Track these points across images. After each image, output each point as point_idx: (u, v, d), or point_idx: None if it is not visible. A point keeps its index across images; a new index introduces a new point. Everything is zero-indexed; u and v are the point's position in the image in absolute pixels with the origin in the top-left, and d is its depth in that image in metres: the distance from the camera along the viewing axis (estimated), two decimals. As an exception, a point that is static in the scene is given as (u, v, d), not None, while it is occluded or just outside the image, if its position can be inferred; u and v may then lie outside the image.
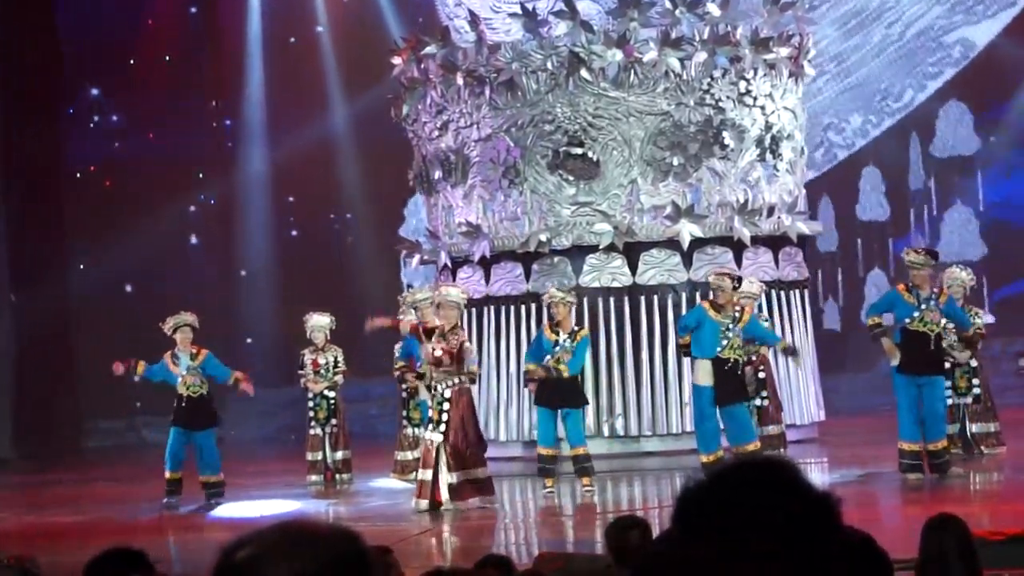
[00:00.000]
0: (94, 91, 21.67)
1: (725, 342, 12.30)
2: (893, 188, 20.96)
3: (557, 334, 12.65)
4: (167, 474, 13.05)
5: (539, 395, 12.76)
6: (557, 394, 12.63)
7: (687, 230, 14.87)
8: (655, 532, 5.26)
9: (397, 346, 13.69)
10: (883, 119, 20.92)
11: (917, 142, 20.94)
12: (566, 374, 12.62)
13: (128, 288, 21.61)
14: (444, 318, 12.04)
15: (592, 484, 12.56)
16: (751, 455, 10.77)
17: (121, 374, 13.18)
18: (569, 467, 12.84)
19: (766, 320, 14.15)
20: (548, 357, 12.58)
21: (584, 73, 14.87)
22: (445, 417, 11.80)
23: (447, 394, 11.87)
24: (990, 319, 13.82)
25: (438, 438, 11.77)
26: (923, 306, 12.04)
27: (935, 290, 12.20)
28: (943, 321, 12.18)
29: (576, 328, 12.85)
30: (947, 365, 12.88)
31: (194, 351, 13.21)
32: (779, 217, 15.40)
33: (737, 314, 12.44)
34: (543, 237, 14.91)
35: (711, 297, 12.69)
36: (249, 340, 21.72)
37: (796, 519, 1.89)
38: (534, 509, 12.48)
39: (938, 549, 4.17)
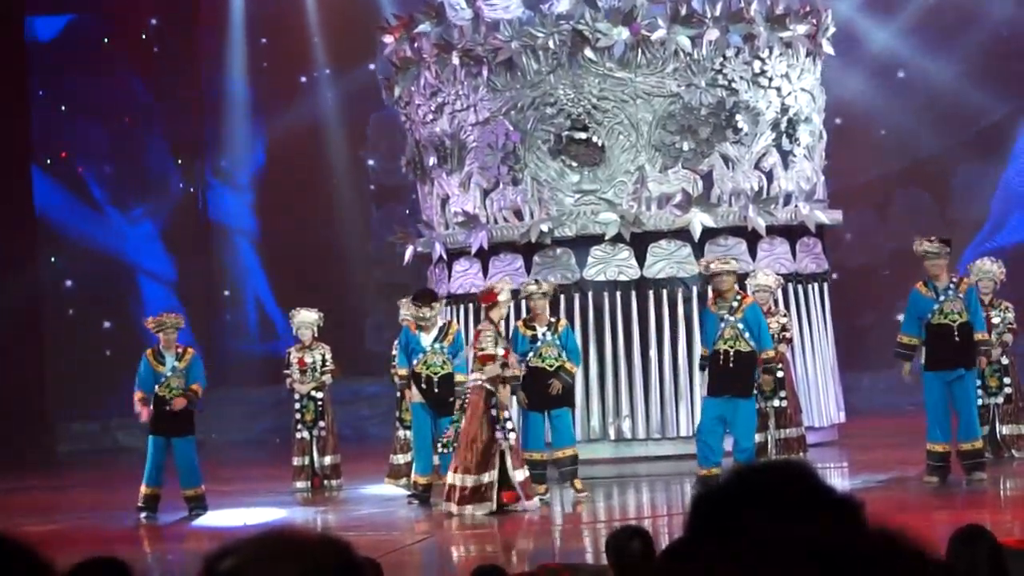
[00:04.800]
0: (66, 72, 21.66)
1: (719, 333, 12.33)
2: None
3: (533, 329, 12.72)
4: (143, 488, 12.89)
5: (528, 397, 12.76)
6: (546, 394, 12.67)
7: (698, 220, 14.87)
8: (664, 541, 5.27)
9: (396, 343, 13.53)
10: None
11: None
12: (567, 366, 12.71)
13: (102, 282, 21.60)
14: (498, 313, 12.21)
15: (584, 488, 12.63)
16: (764, 460, 10.74)
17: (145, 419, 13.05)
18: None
19: (784, 315, 14.12)
20: (530, 355, 12.65)
21: (588, 52, 14.87)
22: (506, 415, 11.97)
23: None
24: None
25: (513, 437, 11.93)
26: (941, 297, 12.03)
27: (954, 280, 12.18)
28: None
29: (553, 320, 12.91)
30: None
31: (180, 350, 13.14)
32: (796, 206, 15.40)
33: (735, 303, 12.34)
34: (545, 227, 14.91)
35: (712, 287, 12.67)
36: (232, 334, 21.73)
37: (818, 522, 1.90)
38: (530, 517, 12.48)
39: (966, 564, 4.16)
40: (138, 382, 13.04)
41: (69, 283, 21.42)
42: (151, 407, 12.93)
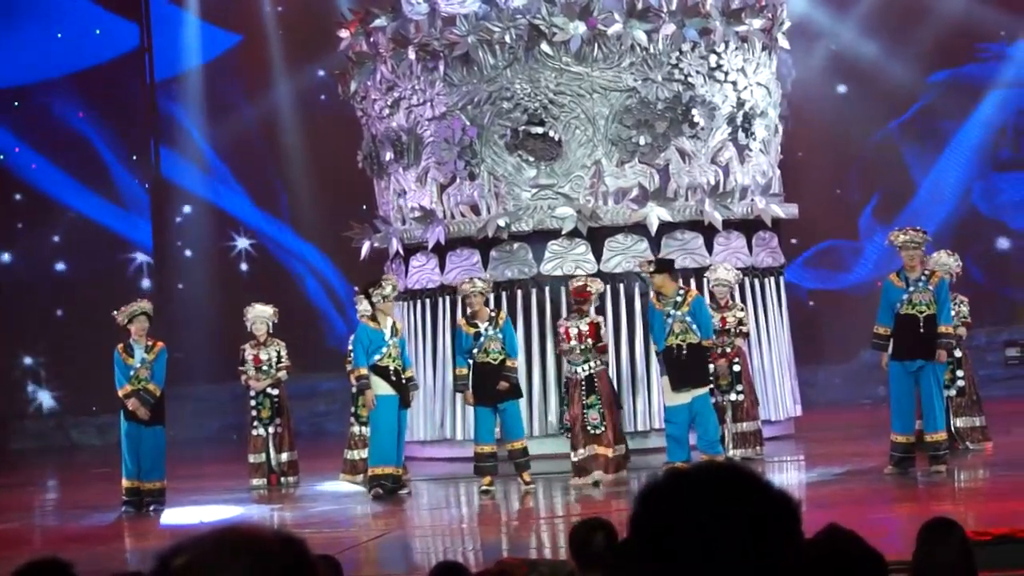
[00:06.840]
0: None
1: (668, 329, 12.53)
2: None
3: (476, 326, 12.92)
4: (124, 482, 12.88)
5: (477, 392, 12.93)
6: (495, 389, 12.84)
7: (655, 214, 14.91)
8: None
9: (351, 340, 13.50)
10: None
11: None
12: (508, 362, 12.88)
13: (55, 280, 21.45)
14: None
15: (532, 480, 12.85)
16: (709, 461, 10.89)
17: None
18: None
19: (742, 310, 14.18)
20: (475, 351, 12.88)
21: (545, 47, 14.87)
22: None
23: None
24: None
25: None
26: (911, 288, 12.13)
27: (926, 272, 12.28)
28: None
29: (494, 313, 13.10)
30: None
31: (150, 343, 13.02)
32: (752, 200, 15.46)
33: (679, 298, 12.60)
34: (502, 222, 14.91)
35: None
36: (184, 329, 21.62)
37: (757, 521, 1.92)
38: (489, 511, 12.50)
39: (936, 556, 4.19)
40: (117, 380, 12.90)
41: (26, 279, 21.26)
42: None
